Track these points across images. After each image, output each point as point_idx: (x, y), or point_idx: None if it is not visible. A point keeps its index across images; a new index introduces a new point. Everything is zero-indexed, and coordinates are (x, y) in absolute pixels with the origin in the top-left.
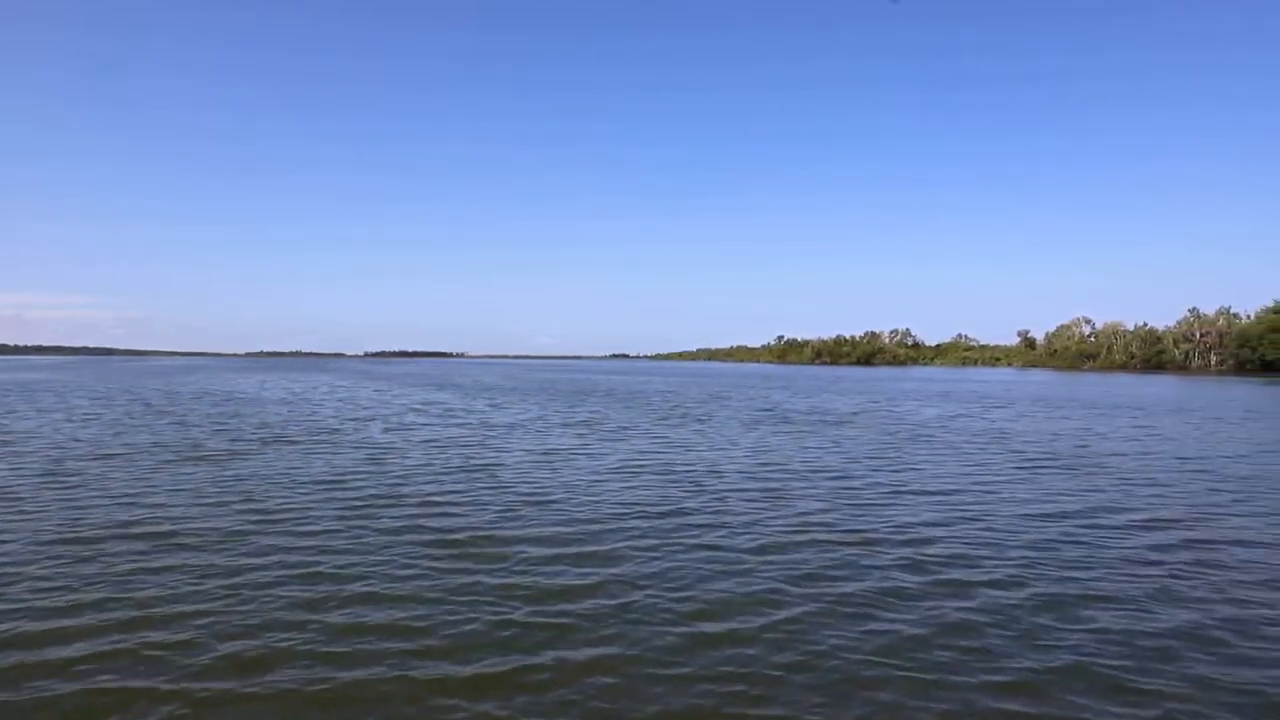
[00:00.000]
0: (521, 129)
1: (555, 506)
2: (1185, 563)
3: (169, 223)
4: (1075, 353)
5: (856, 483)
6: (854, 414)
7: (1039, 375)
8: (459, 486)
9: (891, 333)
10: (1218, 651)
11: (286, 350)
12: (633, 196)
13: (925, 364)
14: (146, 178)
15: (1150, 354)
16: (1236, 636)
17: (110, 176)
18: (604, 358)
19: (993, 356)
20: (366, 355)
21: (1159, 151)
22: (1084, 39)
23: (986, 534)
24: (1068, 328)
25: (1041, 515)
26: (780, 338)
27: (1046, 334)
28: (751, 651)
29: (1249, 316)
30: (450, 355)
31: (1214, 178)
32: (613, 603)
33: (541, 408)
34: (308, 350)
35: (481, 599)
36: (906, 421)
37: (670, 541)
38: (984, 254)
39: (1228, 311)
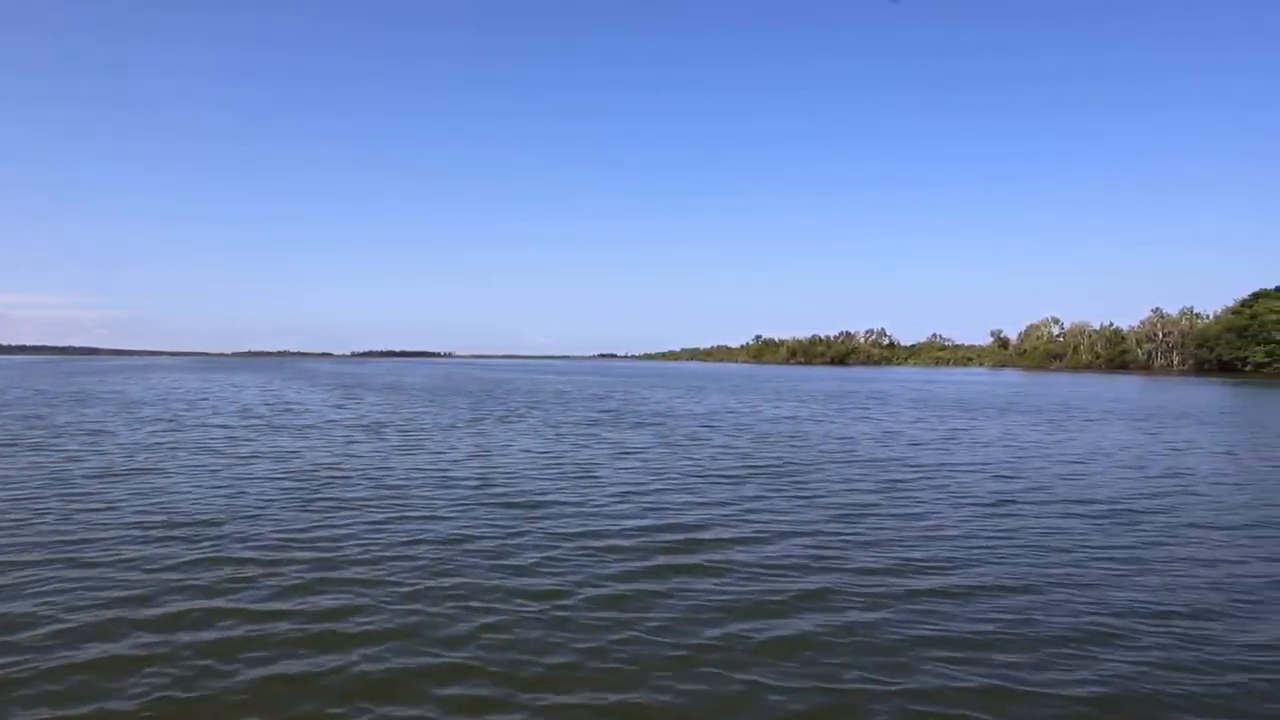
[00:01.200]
0: (522, 129)
1: (87, 511)
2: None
3: (165, 223)
4: (1042, 353)
5: (490, 491)
6: (696, 414)
7: (998, 375)
8: (41, 492)
9: (867, 332)
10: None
11: (274, 350)
12: (632, 196)
13: (899, 364)
14: (142, 178)
15: (1114, 354)
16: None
17: (105, 177)
18: (591, 358)
19: (965, 356)
20: (353, 355)
21: (1159, 151)
22: (1084, 39)
23: (458, 564)
24: (1036, 327)
25: (586, 536)
26: (758, 337)
27: (1019, 334)
28: None
29: (1211, 316)
30: (438, 355)
31: (1214, 178)
32: None
33: (381, 409)
34: (295, 350)
35: None
36: (727, 423)
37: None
38: (981, 254)
39: (1191, 311)
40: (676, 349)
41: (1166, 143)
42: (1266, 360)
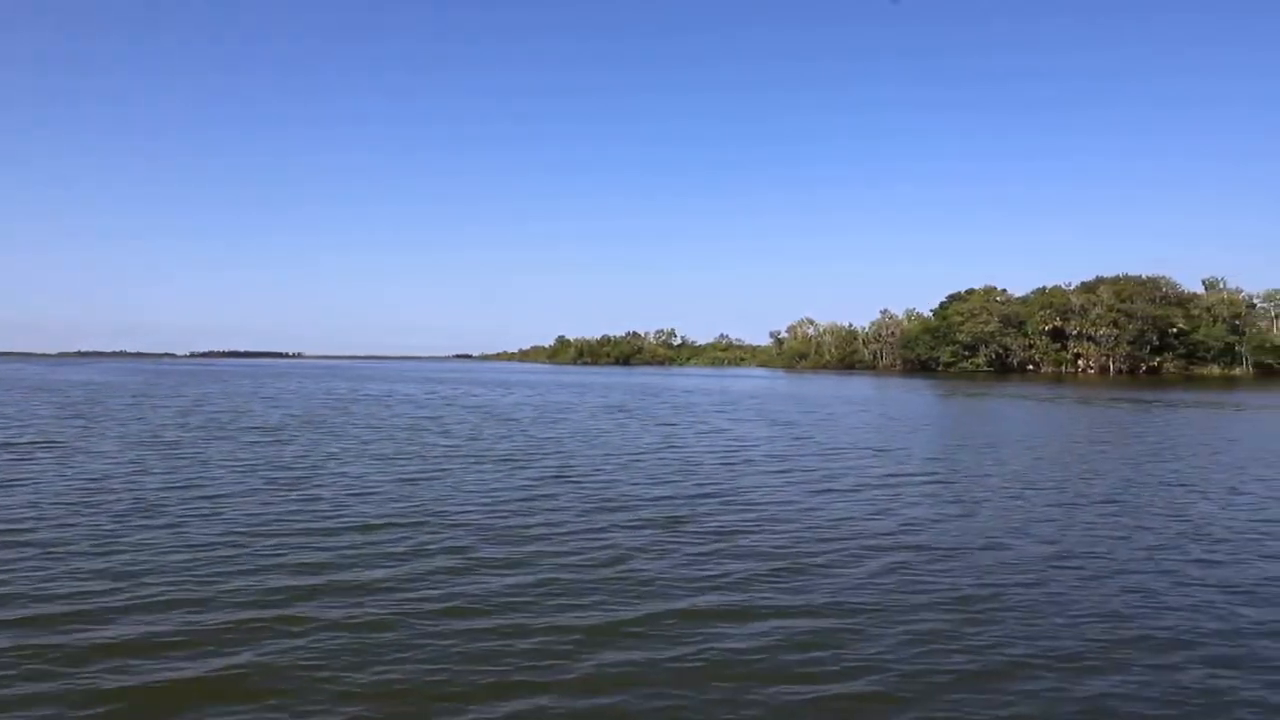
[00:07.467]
0: (461, 131)
1: None
2: None
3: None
4: (791, 353)
5: None
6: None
7: (703, 377)
8: None
9: (657, 333)
10: None
11: (109, 350)
12: (527, 198)
13: (681, 364)
14: None
15: (845, 354)
16: None
17: None
18: (446, 358)
19: (739, 357)
20: (193, 355)
21: (1159, 151)
22: (1083, 39)
23: None
24: (795, 328)
25: None
26: (560, 338)
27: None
28: None
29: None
30: (286, 356)
31: (1214, 177)
32: None
33: None
34: (132, 350)
35: None
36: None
37: None
38: (972, 252)
39: (913, 313)
40: (513, 350)
41: (1166, 142)
42: (952, 360)
